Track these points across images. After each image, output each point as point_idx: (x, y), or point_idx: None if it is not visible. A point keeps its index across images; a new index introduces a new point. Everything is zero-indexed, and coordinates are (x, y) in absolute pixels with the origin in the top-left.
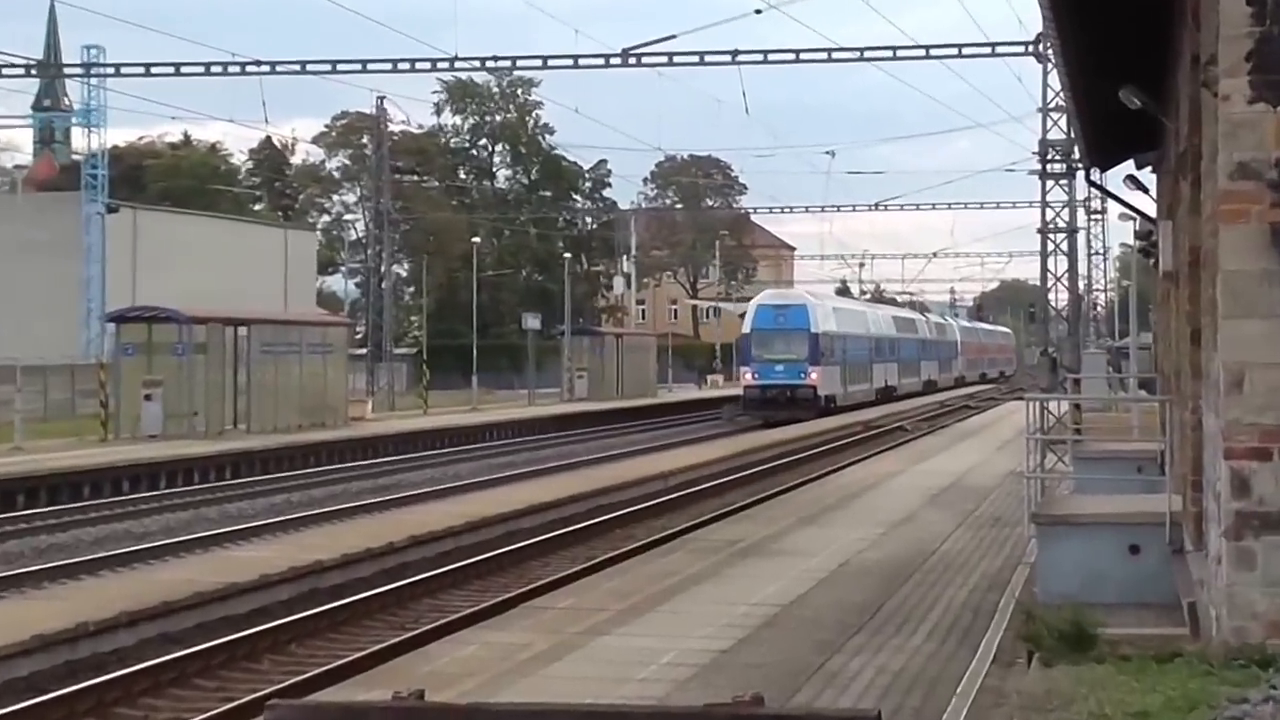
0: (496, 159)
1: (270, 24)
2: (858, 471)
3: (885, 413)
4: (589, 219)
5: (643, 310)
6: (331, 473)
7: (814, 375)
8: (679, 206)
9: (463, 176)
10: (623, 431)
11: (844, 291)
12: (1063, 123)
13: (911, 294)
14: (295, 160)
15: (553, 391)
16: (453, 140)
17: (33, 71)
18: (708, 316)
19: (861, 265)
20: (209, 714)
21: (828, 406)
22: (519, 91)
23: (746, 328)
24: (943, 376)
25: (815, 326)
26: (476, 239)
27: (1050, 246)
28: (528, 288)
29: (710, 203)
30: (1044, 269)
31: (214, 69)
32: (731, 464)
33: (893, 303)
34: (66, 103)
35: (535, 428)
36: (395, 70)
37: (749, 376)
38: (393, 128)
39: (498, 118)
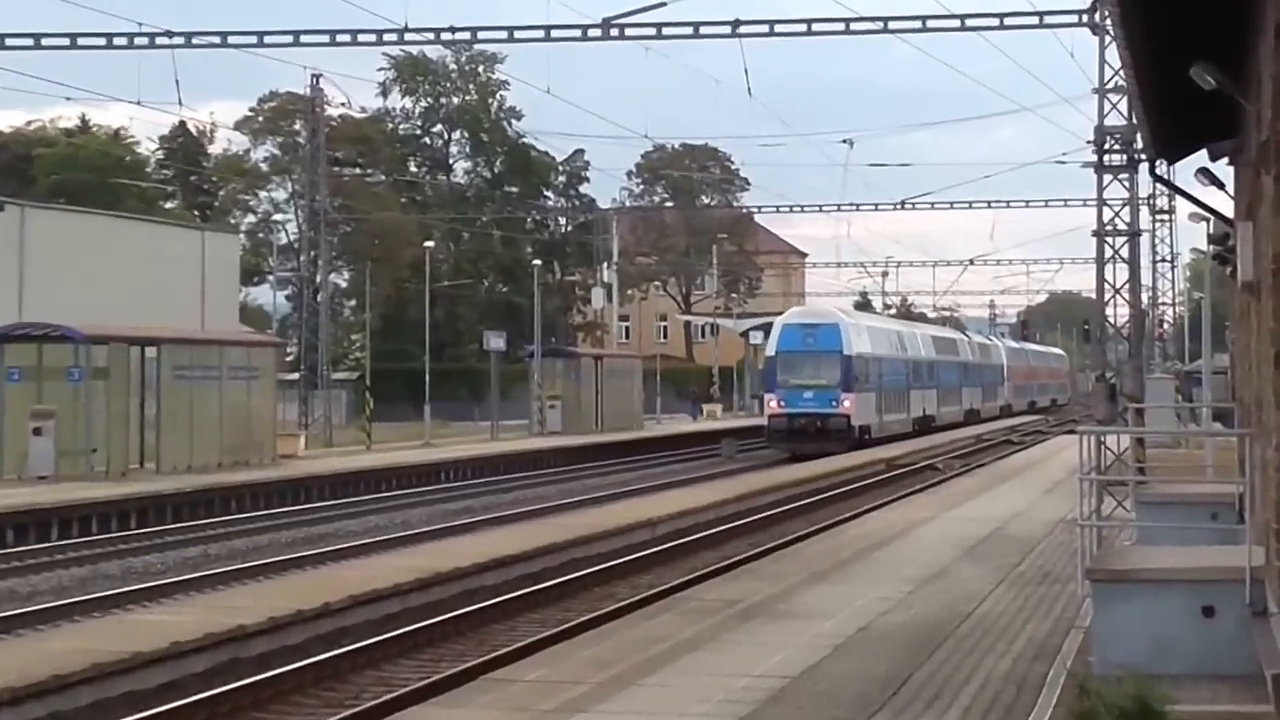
0: (454, 149)
1: None
2: (880, 518)
3: (913, 449)
4: (563, 220)
5: (626, 328)
6: (257, 520)
7: (847, 403)
8: (669, 205)
9: (413, 169)
10: (603, 471)
11: (864, 305)
12: (1123, 106)
13: (944, 309)
14: (215, 150)
15: (520, 424)
16: (402, 127)
17: None
18: (703, 335)
19: (885, 274)
20: None
21: (861, 438)
22: (480, 69)
23: (771, 350)
24: (986, 405)
25: (848, 348)
26: (430, 243)
27: (1108, 252)
28: (490, 301)
29: (706, 201)
30: (1101, 279)
31: (117, 41)
32: (731, 509)
33: (922, 319)
34: None
35: (499, 467)
36: (334, 43)
37: (774, 404)
38: (330, 111)
39: (455, 100)
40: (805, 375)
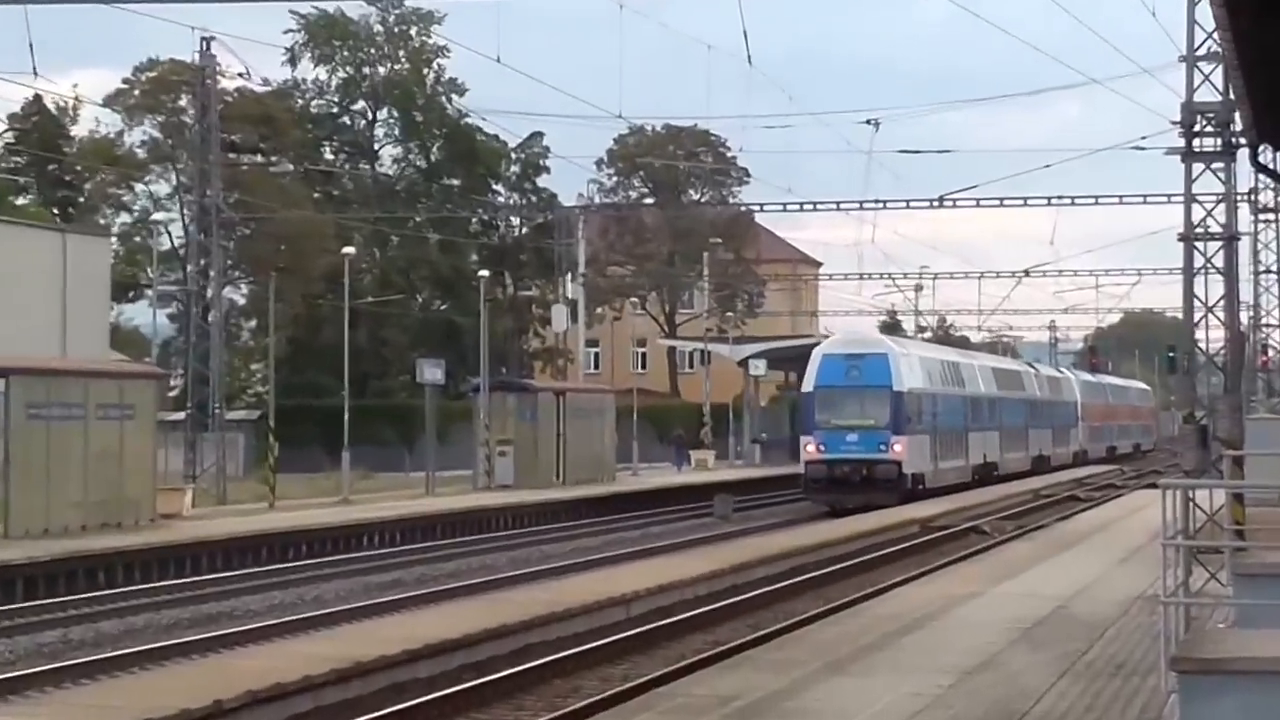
0: (380, 131)
1: None
2: (912, 594)
3: (956, 505)
4: (516, 220)
5: (595, 355)
6: (131, 596)
7: (898, 447)
8: (649, 202)
9: (329, 157)
10: (566, 534)
11: (892, 327)
12: (1218, 77)
13: (992, 331)
14: (79, 132)
15: (462, 475)
16: (314, 103)
17: None
18: (691, 364)
19: (918, 289)
20: None
21: (914, 488)
22: (413, 32)
23: (809, 385)
24: (1057, 451)
25: (899, 383)
26: (350, 249)
27: (1198, 261)
28: (425, 321)
29: (695, 196)
30: (1189, 294)
31: None
32: (727, 583)
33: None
34: None
35: (436, 529)
36: None
37: (812, 448)
38: (225, 84)
39: (381, 70)
40: (849, 414)
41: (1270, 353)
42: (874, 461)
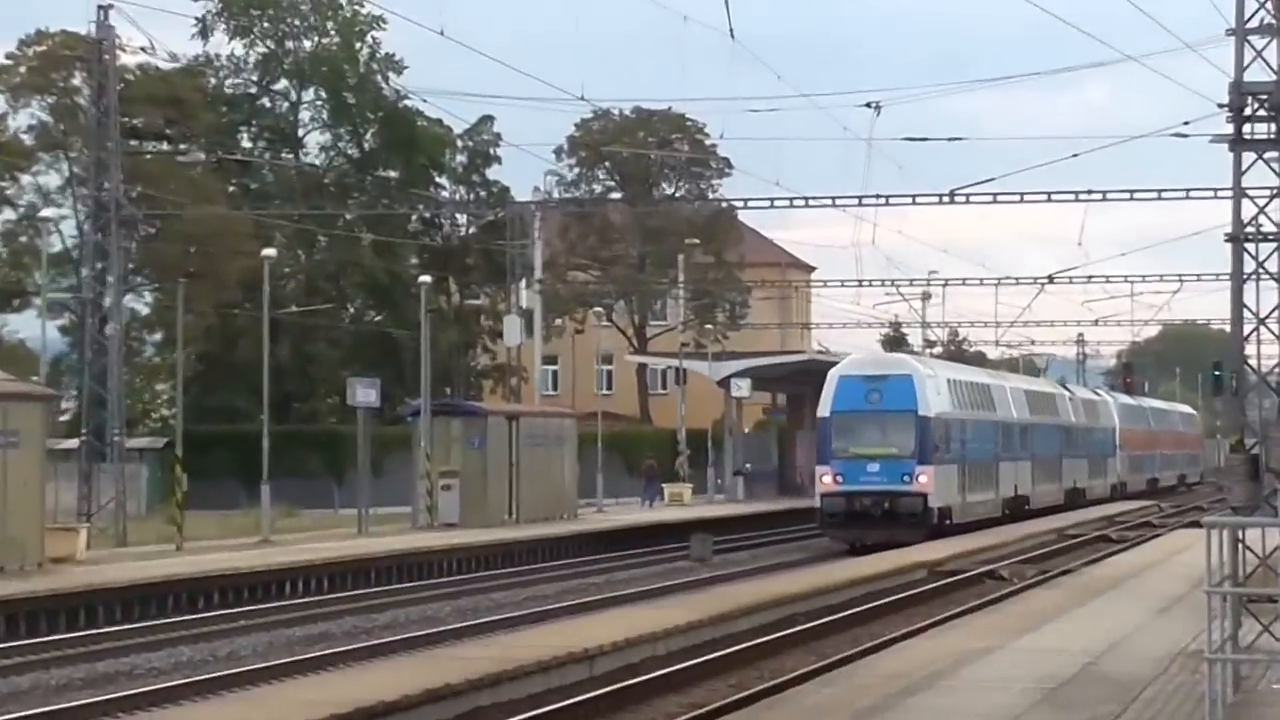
0: (305, 115)
1: None
2: (918, 649)
3: (967, 548)
4: (463, 218)
5: (554, 373)
6: (16, 653)
7: (923, 478)
8: (615, 196)
9: (246, 144)
10: (520, 580)
11: (897, 341)
12: (1272, 54)
13: (1011, 346)
14: None
15: (401, 511)
16: (229, 82)
17: None
18: (665, 384)
19: (926, 297)
20: None
21: (941, 523)
22: (343, 1)
23: (825, 410)
24: (1094, 483)
25: (925, 407)
26: (270, 251)
27: (1249, 265)
28: (358, 335)
29: (670, 190)
30: (1238, 303)
31: None
32: (705, 636)
33: (980, 361)
34: None
35: (370, 574)
36: None
37: (829, 479)
38: (126, 59)
39: (306, 44)
40: (869, 442)
41: None
42: (897, 494)
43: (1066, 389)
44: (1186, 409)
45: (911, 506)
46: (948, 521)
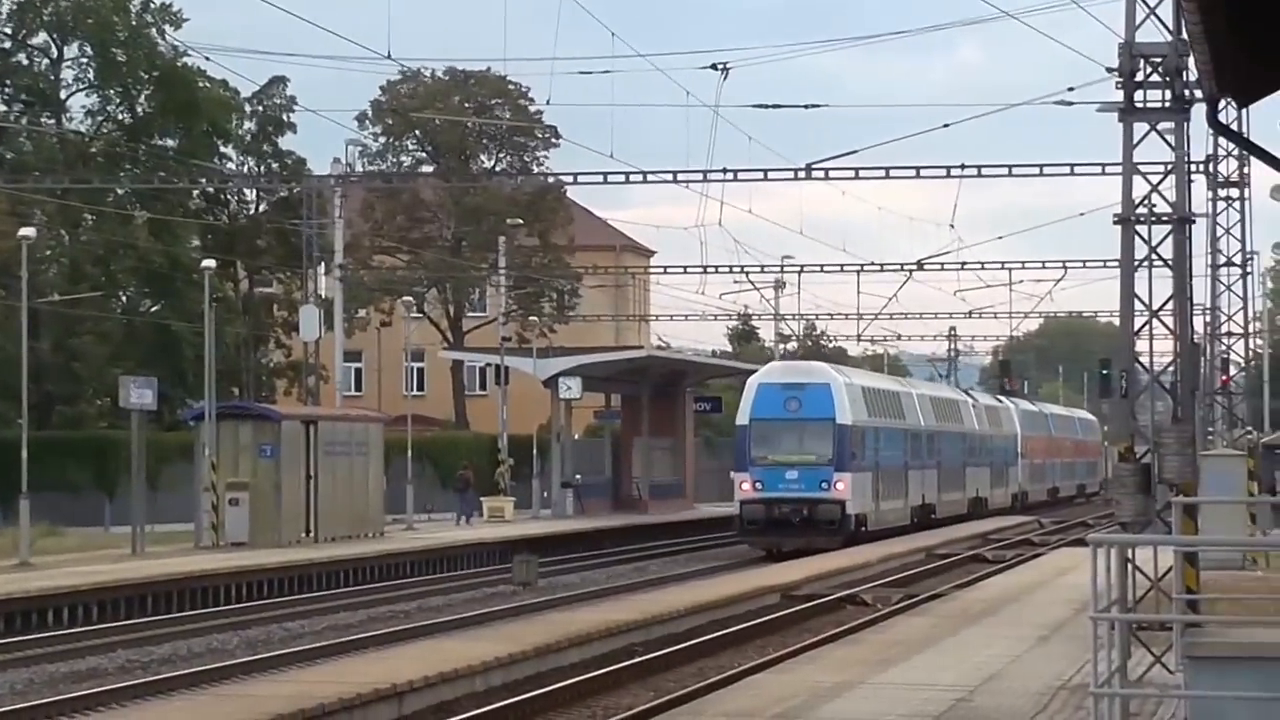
0: (68, 74)
1: None
2: (768, 684)
3: (824, 569)
4: (251, 194)
5: (357, 371)
6: None
7: (841, 485)
8: (428, 170)
9: (0, 107)
10: (318, 606)
11: (746, 335)
12: (1166, 11)
13: (875, 341)
14: None
15: (182, 529)
16: None
17: None
18: (484, 384)
19: (780, 285)
20: None
21: (857, 530)
22: None
23: (743, 418)
24: (995, 492)
25: (842, 415)
26: (28, 231)
27: (1141, 250)
28: (131, 328)
29: (489, 163)
30: (1128, 293)
31: None
32: (526, 669)
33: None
34: None
35: (145, 601)
36: None
37: (747, 486)
38: None
39: None
40: (787, 449)
41: (1233, 370)
42: (815, 501)
43: (970, 395)
44: (1086, 415)
45: (830, 514)
46: (863, 528)
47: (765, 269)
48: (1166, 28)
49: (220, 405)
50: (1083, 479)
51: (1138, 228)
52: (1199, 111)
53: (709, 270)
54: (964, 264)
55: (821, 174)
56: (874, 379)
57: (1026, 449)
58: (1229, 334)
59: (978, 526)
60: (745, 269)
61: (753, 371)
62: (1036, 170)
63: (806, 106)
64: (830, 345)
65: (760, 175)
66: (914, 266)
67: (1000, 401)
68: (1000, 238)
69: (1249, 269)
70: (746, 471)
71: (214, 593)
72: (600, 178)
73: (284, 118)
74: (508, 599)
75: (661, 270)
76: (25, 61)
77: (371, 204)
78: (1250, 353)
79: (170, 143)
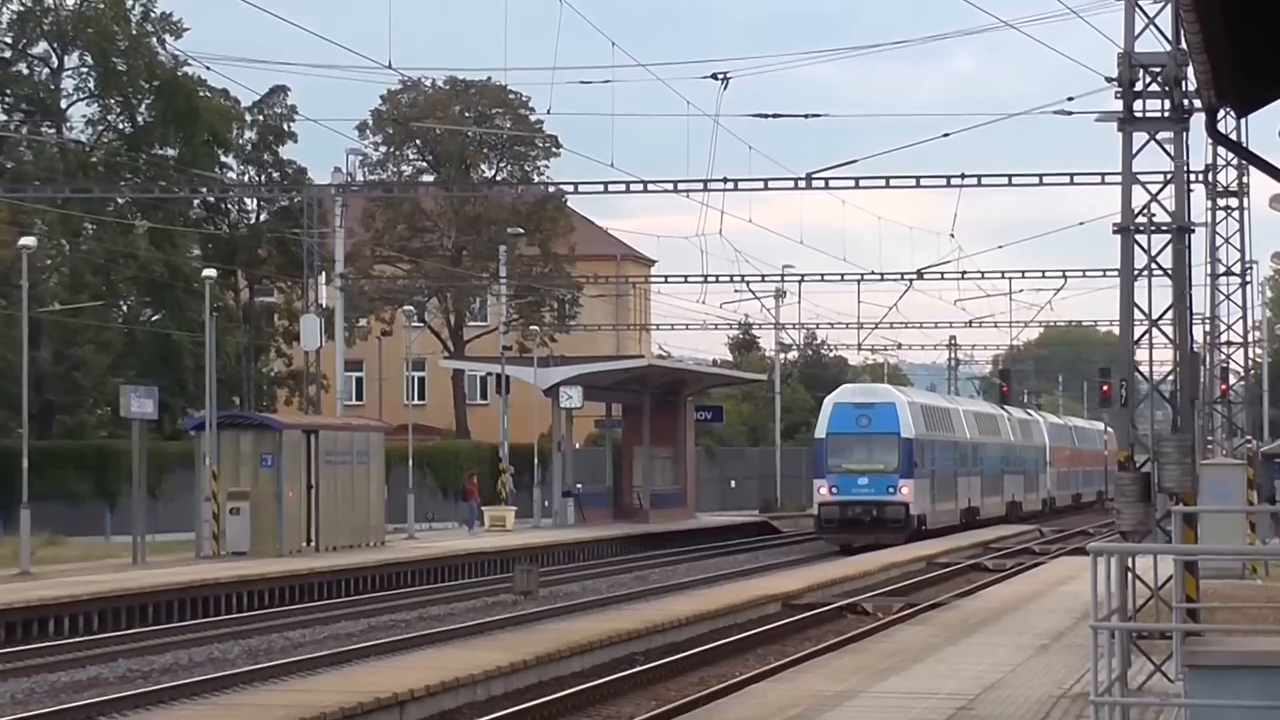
0: (68, 83)
1: None
2: (769, 693)
3: (826, 579)
4: (252, 203)
5: (358, 380)
6: None
7: (905, 490)
8: (428, 179)
9: (0, 117)
10: (319, 616)
11: (747, 344)
12: (1166, 21)
13: (875, 350)
14: None
15: (183, 538)
16: None
17: None
18: (485, 393)
19: (780, 295)
20: None
21: (918, 528)
22: None
23: (821, 432)
24: (1028, 497)
25: (907, 430)
26: (29, 240)
27: (1140, 259)
28: (132, 338)
29: (489, 172)
30: (1128, 302)
31: None
32: (528, 679)
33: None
34: None
35: (146, 610)
36: None
37: (824, 491)
38: None
39: (68, 0)
40: (859, 459)
41: (1232, 379)
42: (884, 503)
43: (1006, 410)
44: (1101, 426)
45: (896, 514)
46: (923, 526)
47: (766, 278)
48: (1166, 37)
49: (221, 415)
50: (1101, 486)
51: (1137, 237)
52: (1198, 121)
53: (709, 280)
54: (964, 273)
55: (821, 183)
56: (930, 398)
57: (1054, 458)
58: (1228, 343)
59: (982, 535)
60: (746, 278)
61: (754, 381)
62: (1036, 180)
63: (806, 116)
64: (830, 355)
65: (760, 185)
66: (914, 276)
67: (1030, 415)
68: (1000, 247)
69: (1248, 278)
70: (824, 478)
71: (215, 602)
72: (601, 187)
73: (285, 127)
74: (509, 608)
75: (662, 279)
76: (26, 71)
77: (372, 213)
78: (1250, 362)
79: (171, 152)
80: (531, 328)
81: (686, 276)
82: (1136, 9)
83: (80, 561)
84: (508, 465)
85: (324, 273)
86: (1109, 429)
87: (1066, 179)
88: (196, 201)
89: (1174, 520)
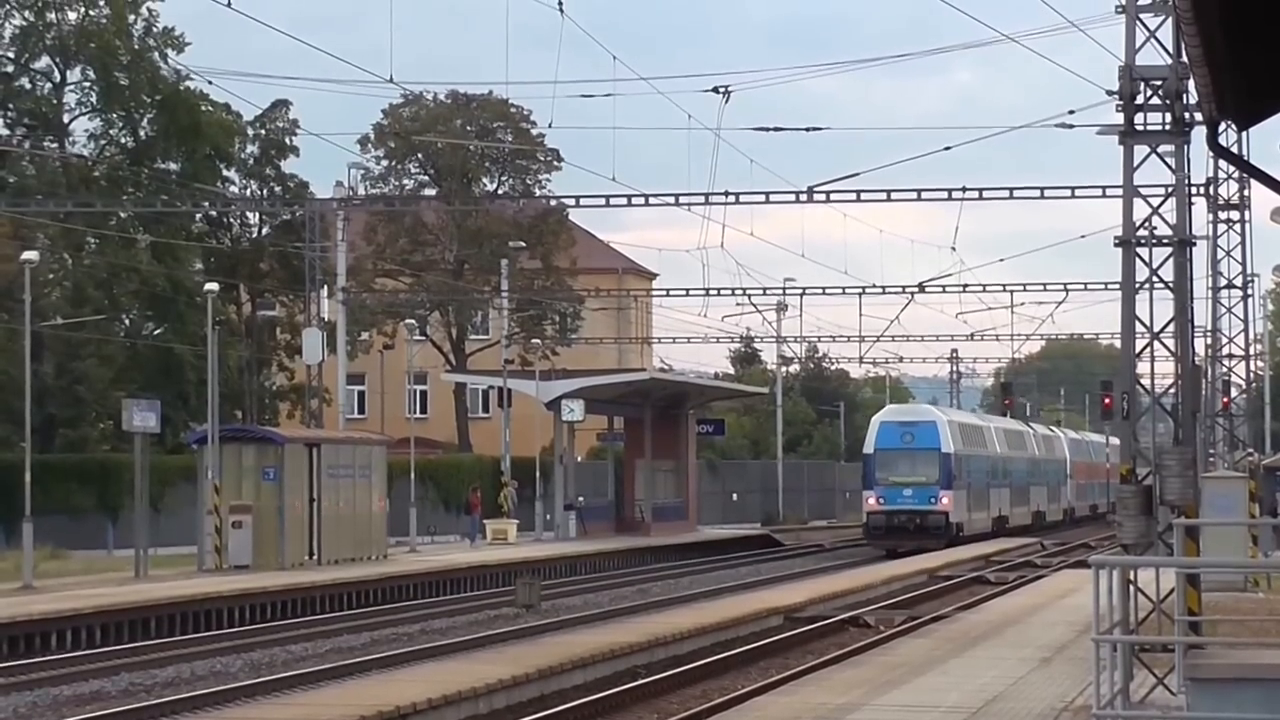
0: (71, 98)
1: None
2: (771, 706)
3: (828, 591)
4: (254, 217)
5: (360, 394)
6: None
7: (945, 500)
8: (430, 193)
9: (3, 131)
10: (321, 629)
11: (749, 358)
12: (1167, 34)
13: (877, 363)
14: None
15: (185, 552)
16: None
17: None
18: (487, 407)
19: (782, 308)
20: None
21: (956, 535)
22: None
23: (869, 448)
24: (1051, 507)
25: (946, 446)
26: (31, 254)
27: (1142, 272)
28: (134, 351)
29: (491, 186)
30: (1129, 315)
31: None
32: (530, 691)
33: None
34: None
35: (149, 624)
36: None
37: (872, 501)
38: None
39: (71, 16)
40: (904, 472)
41: (1234, 392)
42: (926, 512)
43: (1030, 426)
44: (1115, 440)
45: (937, 522)
46: (960, 534)
47: (767, 291)
48: (1167, 51)
49: (223, 428)
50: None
51: (1139, 250)
52: (1199, 134)
53: (711, 293)
54: (965, 286)
55: (823, 196)
56: (965, 417)
57: (1074, 471)
58: (1230, 356)
59: (984, 548)
60: (747, 291)
61: (755, 394)
62: (1038, 193)
63: (807, 129)
64: (832, 368)
65: (762, 198)
66: (915, 289)
67: (1052, 431)
68: (1001, 260)
69: (1250, 291)
70: (872, 490)
71: (217, 615)
72: (602, 200)
73: (286, 141)
74: (511, 621)
75: (664, 293)
76: (28, 85)
77: (374, 227)
78: (1251, 375)
79: (173, 166)
80: (533, 341)
81: (688, 290)
82: (1138, 22)
83: (82, 575)
84: (510, 479)
85: (326, 286)
86: (1110, 441)
87: (1068, 192)
88: (199, 216)
89: (1176, 533)
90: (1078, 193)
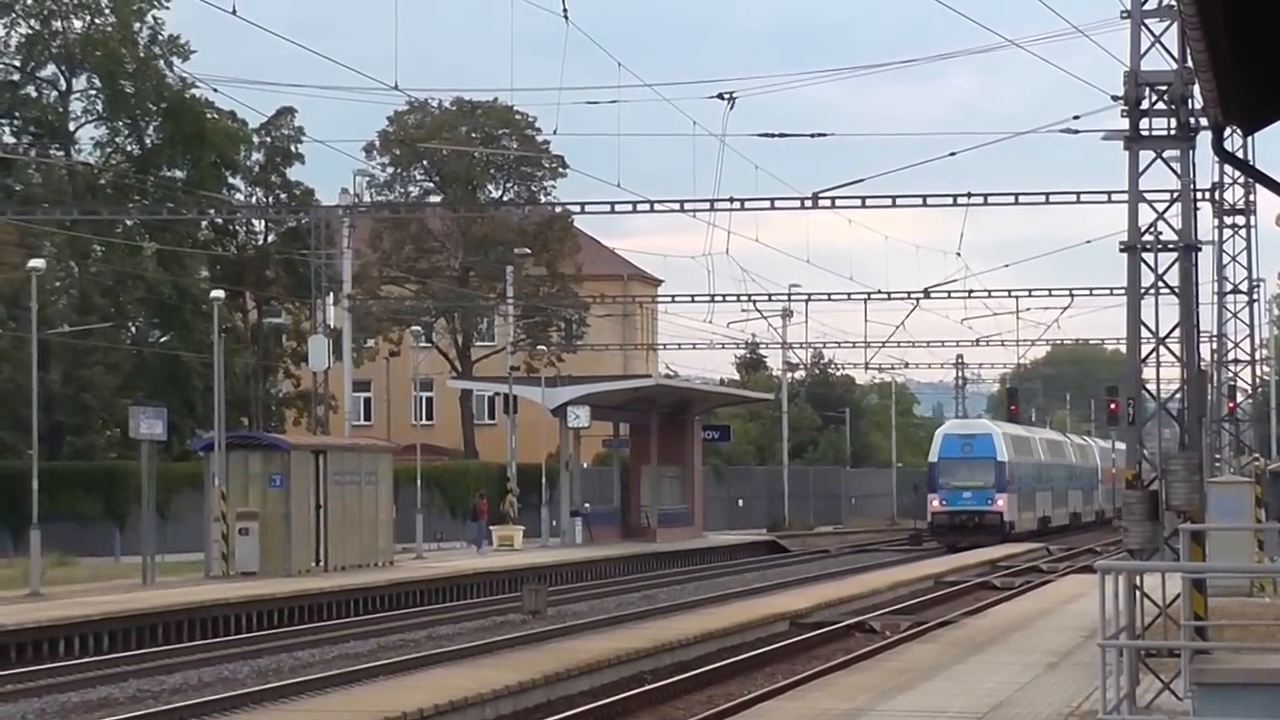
0: (77, 105)
1: None
2: (777, 712)
3: (832, 597)
4: (260, 224)
5: (366, 401)
6: None
7: (1000, 502)
8: (435, 200)
9: (9, 139)
10: (328, 635)
11: (754, 364)
12: (1172, 39)
13: (882, 369)
14: None
15: (192, 558)
16: None
17: None
18: (493, 413)
19: (787, 314)
20: None
21: (1009, 533)
22: None
23: (933, 457)
24: (1086, 509)
25: (1001, 455)
26: (38, 262)
27: (1147, 277)
28: (141, 359)
29: (496, 193)
30: (1135, 320)
31: None
32: (536, 698)
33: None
34: None
35: (156, 630)
36: None
37: (936, 503)
38: None
39: (76, 23)
40: (964, 478)
41: (1240, 396)
42: (983, 513)
43: (1068, 436)
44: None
45: (992, 521)
46: (1012, 531)
47: (772, 297)
48: (1172, 56)
49: (230, 435)
50: None
51: (1144, 255)
52: (1205, 139)
53: (716, 299)
54: (971, 292)
55: (828, 203)
56: (1015, 429)
57: (1105, 476)
58: (1236, 361)
59: (989, 553)
60: (752, 298)
61: (761, 400)
62: (1043, 198)
63: (812, 135)
64: (837, 374)
65: (767, 204)
66: (921, 295)
67: (1086, 441)
68: (1007, 265)
69: (1255, 296)
70: (936, 493)
71: (224, 622)
72: (607, 207)
73: (292, 148)
74: (517, 628)
75: (669, 299)
76: (34, 94)
77: (379, 234)
78: (1257, 379)
79: (179, 174)
80: (539, 348)
81: (693, 296)
82: (1143, 27)
83: (90, 582)
84: (515, 486)
85: (332, 293)
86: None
87: (1073, 197)
88: (204, 223)
89: (1182, 538)
90: (1083, 198)
